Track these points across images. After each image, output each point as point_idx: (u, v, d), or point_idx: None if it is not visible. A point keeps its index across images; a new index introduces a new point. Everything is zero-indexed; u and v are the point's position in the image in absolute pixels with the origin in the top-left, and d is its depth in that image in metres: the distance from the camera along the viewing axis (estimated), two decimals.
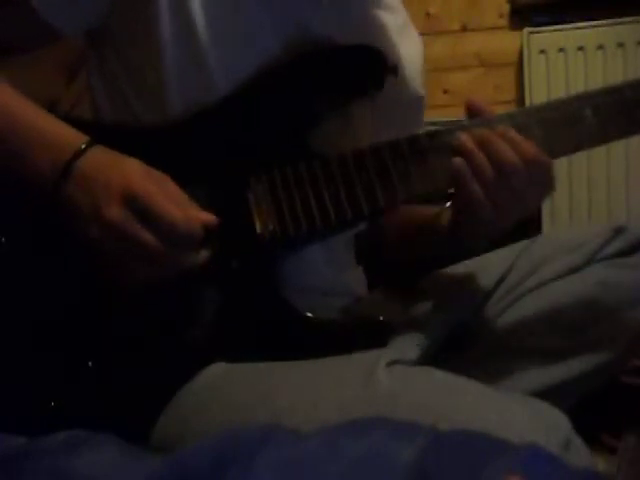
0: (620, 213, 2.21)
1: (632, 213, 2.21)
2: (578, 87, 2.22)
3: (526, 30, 2.26)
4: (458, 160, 0.77)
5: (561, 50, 2.24)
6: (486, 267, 0.94)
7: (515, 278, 0.93)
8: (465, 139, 0.78)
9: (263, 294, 0.82)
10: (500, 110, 0.82)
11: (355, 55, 0.87)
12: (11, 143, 0.77)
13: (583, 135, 0.81)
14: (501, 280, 0.94)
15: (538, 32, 2.25)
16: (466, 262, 0.97)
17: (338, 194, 0.80)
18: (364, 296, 0.99)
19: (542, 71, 2.26)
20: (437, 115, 1.96)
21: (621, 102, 0.81)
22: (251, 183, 0.81)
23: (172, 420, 0.77)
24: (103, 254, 0.74)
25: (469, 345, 0.92)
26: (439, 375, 0.71)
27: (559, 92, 2.23)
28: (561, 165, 2.14)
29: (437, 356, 0.87)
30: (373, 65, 0.87)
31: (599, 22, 2.20)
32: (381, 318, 0.85)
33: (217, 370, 0.79)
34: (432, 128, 0.84)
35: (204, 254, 0.75)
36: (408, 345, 0.84)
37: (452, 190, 0.80)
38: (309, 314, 0.82)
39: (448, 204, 0.88)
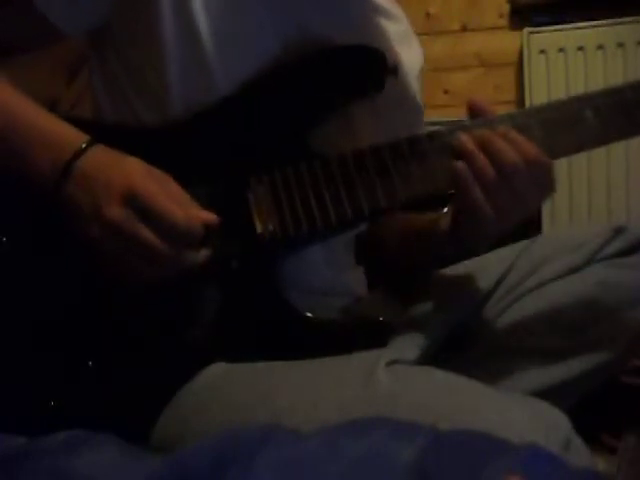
0: (620, 213, 2.22)
1: (632, 213, 2.21)
2: (578, 87, 2.22)
3: (526, 30, 2.26)
4: (459, 163, 0.77)
5: (561, 50, 2.24)
6: (486, 267, 0.94)
7: (515, 278, 0.93)
8: (465, 140, 0.78)
9: (263, 294, 0.82)
10: (500, 110, 0.82)
11: (355, 55, 0.87)
12: (11, 142, 0.77)
13: (584, 136, 0.81)
14: (501, 280, 0.94)
15: (538, 32, 2.26)
16: (466, 262, 0.97)
17: (338, 194, 0.80)
18: (364, 296, 0.99)
19: (542, 71, 2.26)
20: (437, 115, 1.96)
21: (622, 103, 0.81)
22: (251, 183, 0.81)
23: (172, 420, 0.77)
24: (104, 253, 0.74)
25: (469, 345, 0.92)
26: (439, 375, 0.71)
27: (559, 92, 2.23)
28: (561, 165, 2.14)
29: (437, 356, 0.87)
30: (373, 65, 0.87)
31: (599, 22, 2.20)
32: (381, 318, 0.85)
33: (217, 370, 0.79)
34: (432, 128, 0.83)
35: (204, 253, 0.75)
36: (408, 345, 0.84)
37: (452, 191, 0.80)
38: (309, 314, 0.82)
39: (446, 209, 0.88)
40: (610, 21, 2.19)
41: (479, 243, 0.86)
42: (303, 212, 0.80)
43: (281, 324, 0.82)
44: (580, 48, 2.23)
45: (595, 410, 0.99)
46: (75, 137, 0.76)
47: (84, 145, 0.75)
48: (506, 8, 2.36)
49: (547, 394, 0.81)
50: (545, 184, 0.79)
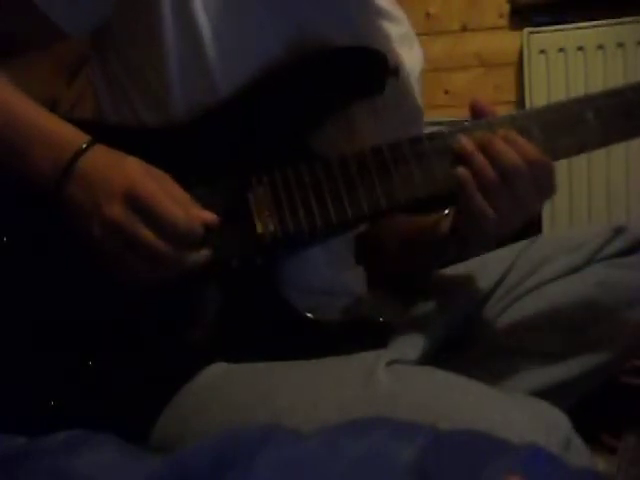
0: (620, 214, 2.21)
1: (632, 214, 2.21)
2: (578, 87, 2.22)
3: (526, 30, 2.26)
4: (462, 169, 0.77)
5: (561, 50, 2.24)
6: (486, 267, 0.94)
7: (515, 278, 0.93)
8: (466, 142, 0.78)
9: (263, 294, 0.82)
10: (500, 110, 0.82)
11: (356, 57, 0.87)
12: (12, 141, 0.77)
13: (585, 138, 0.81)
14: (501, 280, 0.94)
15: (538, 32, 2.25)
16: (466, 262, 0.97)
17: (339, 195, 0.80)
18: (364, 296, 0.99)
19: (542, 71, 2.26)
20: (437, 115, 1.96)
21: (623, 104, 0.81)
22: (252, 184, 0.81)
23: (172, 420, 0.77)
24: (104, 253, 0.74)
25: (469, 345, 0.92)
26: (440, 375, 0.71)
27: (559, 92, 2.23)
28: (561, 166, 2.13)
29: (437, 356, 0.87)
30: (374, 67, 0.87)
31: (599, 22, 2.20)
32: (381, 319, 0.85)
33: (217, 370, 0.79)
34: (433, 128, 0.83)
35: (204, 253, 0.75)
36: (408, 345, 0.84)
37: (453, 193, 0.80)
38: (309, 315, 0.82)
39: (446, 211, 0.88)
40: (610, 21, 2.19)
41: (480, 245, 0.86)
42: (303, 212, 0.80)
43: (281, 324, 0.82)
44: (580, 48, 2.23)
45: (595, 410, 0.99)
46: (76, 137, 0.76)
47: (85, 145, 0.75)
48: (506, 8, 2.36)
49: (547, 394, 0.81)
50: (546, 186, 0.79)
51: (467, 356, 0.91)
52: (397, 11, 1.05)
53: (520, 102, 2.32)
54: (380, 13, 1.00)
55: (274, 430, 0.53)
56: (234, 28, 0.85)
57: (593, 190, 2.25)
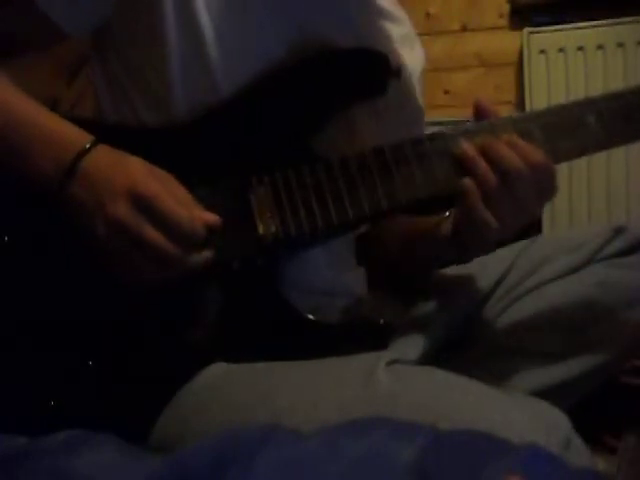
0: (620, 214, 2.22)
1: (632, 213, 2.21)
2: (578, 87, 2.22)
3: (526, 30, 2.26)
4: (467, 181, 0.77)
5: (561, 50, 2.24)
6: (486, 267, 0.94)
7: (515, 278, 0.93)
8: (467, 147, 0.78)
9: (264, 295, 0.82)
10: (500, 110, 0.82)
11: (358, 58, 0.87)
12: (13, 140, 0.77)
13: (586, 141, 0.81)
14: (501, 280, 0.94)
15: (538, 32, 2.26)
16: None
17: (340, 196, 0.80)
18: (365, 296, 0.99)
19: (542, 71, 2.26)
20: (438, 115, 1.96)
21: (624, 108, 0.81)
22: (253, 184, 0.81)
23: (172, 420, 0.77)
24: (108, 252, 0.74)
25: (469, 345, 0.92)
26: (440, 375, 0.71)
27: (559, 92, 2.23)
28: (561, 167, 2.12)
29: (438, 356, 0.87)
30: (376, 68, 0.87)
31: (599, 22, 2.20)
32: (381, 322, 0.85)
33: (217, 370, 0.79)
34: (433, 128, 0.83)
35: (207, 255, 0.75)
36: (409, 345, 0.84)
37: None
38: (310, 316, 0.82)
39: (447, 213, 0.88)
40: (610, 21, 2.19)
41: (480, 248, 0.86)
42: (305, 213, 0.80)
43: (281, 325, 0.82)
44: (580, 48, 2.23)
45: (595, 410, 0.99)
46: (79, 137, 0.76)
47: (88, 145, 0.75)
48: (506, 8, 2.36)
49: (547, 394, 0.81)
50: (547, 189, 0.79)
51: (467, 356, 0.91)
52: (398, 11, 1.05)
53: (520, 102, 2.32)
54: (381, 13, 1.00)
55: (274, 430, 0.53)
56: (236, 28, 0.85)
57: (593, 191, 2.25)
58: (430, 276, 0.98)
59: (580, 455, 0.62)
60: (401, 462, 0.46)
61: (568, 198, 2.25)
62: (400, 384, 0.69)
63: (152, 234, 0.72)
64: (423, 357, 0.84)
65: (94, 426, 0.59)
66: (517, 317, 0.91)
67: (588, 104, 0.82)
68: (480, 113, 0.81)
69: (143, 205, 0.72)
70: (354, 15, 0.94)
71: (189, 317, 0.80)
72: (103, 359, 0.78)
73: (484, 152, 0.77)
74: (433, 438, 0.49)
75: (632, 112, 0.81)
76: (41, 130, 0.77)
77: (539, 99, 2.25)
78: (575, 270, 0.91)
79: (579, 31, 2.23)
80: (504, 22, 2.38)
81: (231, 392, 0.76)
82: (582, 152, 0.82)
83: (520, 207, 0.78)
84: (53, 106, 0.92)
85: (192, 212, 0.74)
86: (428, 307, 0.92)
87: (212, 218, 0.76)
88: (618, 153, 2.16)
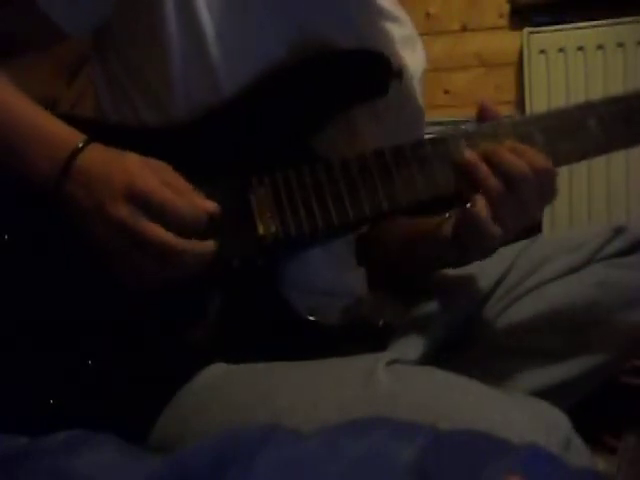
0: (620, 214, 2.22)
1: (632, 214, 2.21)
2: (578, 87, 2.22)
3: (526, 30, 2.27)
4: (479, 200, 0.77)
5: (561, 50, 2.24)
6: (486, 267, 0.94)
7: (515, 278, 0.93)
8: (469, 155, 0.78)
9: (264, 295, 0.82)
10: (500, 110, 0.83)
11: (360, 59, 0.87)
12: (10, 140, 0.77)
13: (587, 145, 0.81)
14: (501, 280, 0.94)
15: (538, 32, 2.26)
16: None
17: (341, 197, 0.80)
18: (365, 297, 0.99)
19: (542, 71, 2.26)
20: (438, 115, 1.96)
21: (625, 112, 0.81)
22: (254, 185, 0.81)
23: (172, 420, 0.77)
24: (109, 253, 0.74)
25: (469, 345, 0.92)
26: (440, 375, 0.71)
27: (559, 92, 2.23)
28: (561, 170, 2.13)
29: (438, 356, 0.87)
30: (378, 69, 0.87)
31: (599, 22, 2.21)
32: (381, 323, 0.85)
33: (217, 370, 0.79)
34: (433, 128, 0.84)
35: (210, 244, 0.75)
36: (409, 345, 0.84)
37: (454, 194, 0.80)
38: (310, 317, 0.82)
39: (448, 215, 0.88)
40: (610, 21, 2.20)
41: (480, 250, 0.86)
42: (305, 214, 0.80)
43: (281, 325, 0.82)
44: (580, 48, 2.23)
45: (595, 410, 0.99)
46: (72, 136, 0.76)
47: (81, 144, 0.75)
48: (506, 8, 2.36)
49: (547, 394, 0.81)
50: (548, 192, 0.79)
51: (467, 356, 0.91)
52: (399, 12, 1.05)
53: (520, 102, 2.32)
54: (382, 14, 1.00)
55: (274, 430, 0.53)
56: (237, 28, 0.85)
57: (593, 191, 2.25)
58: (430, 277, 0.98)
59: (580, 455, 0.62)
60: (401, 462, 0.46)
61: (568, 198, 2.25)
62: (400, 384, 0.69)
63: (153, 230, 0.71)
64: (423, 357, 0.84)
65: (94, 426, 0.59)
66: (517, 317, 0.91)
67: (589, 107, 0.82)
68: (483, 114, 0.81)
69: (142, 202, 0.72)
70: (354, 15, 0.94)
71: (189, 317, 0.80)
72: (103, 359, 0.78)
73: (487, 158, 0.78)
74: (433, 438, 0.49)
75: (633, 116, 0.81)
76: (37, 130, 0.77)
77: (539, 99, 2.25)
78: (575, 270, 0.91)
79: (579, 31, 2.23)
80: (504, 22, 2.38)
81: (231, 392, 0.76)
82: (582, 156, 0.82)
83: (522, 210, 0.78)
84: (53, 106, 0.92)
85: (192, 200, 0.74)
86: (428, 307, 0.92)
87: (212, 206, 0.76)
88: (618, 154, 2.15)
